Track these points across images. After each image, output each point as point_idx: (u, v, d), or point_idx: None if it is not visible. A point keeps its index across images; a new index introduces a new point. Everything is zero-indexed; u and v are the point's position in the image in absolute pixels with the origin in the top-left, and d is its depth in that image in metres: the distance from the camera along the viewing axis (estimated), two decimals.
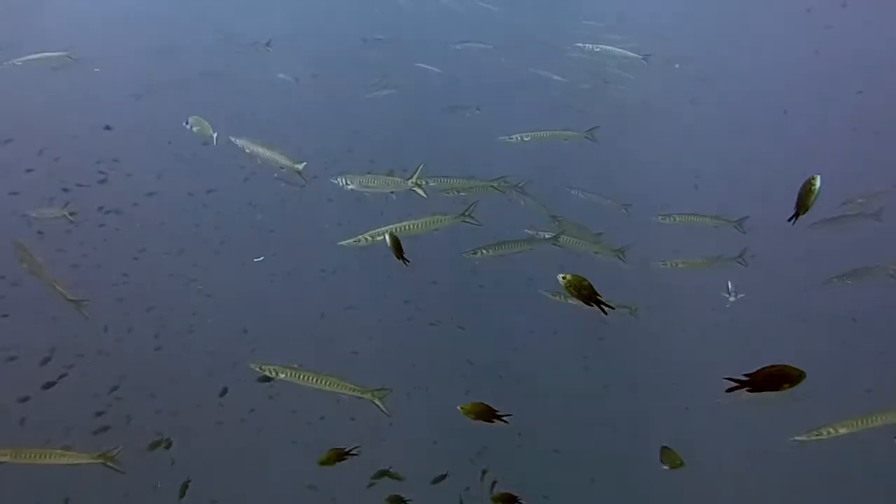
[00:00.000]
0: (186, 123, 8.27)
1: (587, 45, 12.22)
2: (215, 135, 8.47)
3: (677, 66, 18.65)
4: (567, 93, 16.91)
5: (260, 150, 7.66)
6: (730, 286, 9.08)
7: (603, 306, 4.66)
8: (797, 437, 5.81)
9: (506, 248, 8.26)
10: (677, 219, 8.80)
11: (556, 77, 16.83)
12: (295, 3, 20.38)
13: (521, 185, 8.71)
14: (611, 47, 12.57)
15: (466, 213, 6.89)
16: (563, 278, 4.64)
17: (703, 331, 14.09)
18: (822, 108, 19.75)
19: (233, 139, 7.73)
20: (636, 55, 12.68)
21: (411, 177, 7.10)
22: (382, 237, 6.32)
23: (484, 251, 8.30)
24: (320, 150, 12.59)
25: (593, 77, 16.58)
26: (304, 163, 7.61)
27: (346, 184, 7.01)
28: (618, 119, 16.12)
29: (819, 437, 5.74)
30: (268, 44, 14.84)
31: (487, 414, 5.56)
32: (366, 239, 6.43)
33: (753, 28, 22.03)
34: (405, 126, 16.64)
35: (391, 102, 16.22)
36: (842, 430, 5.69)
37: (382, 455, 9.14)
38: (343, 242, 6.48)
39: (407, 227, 6.57)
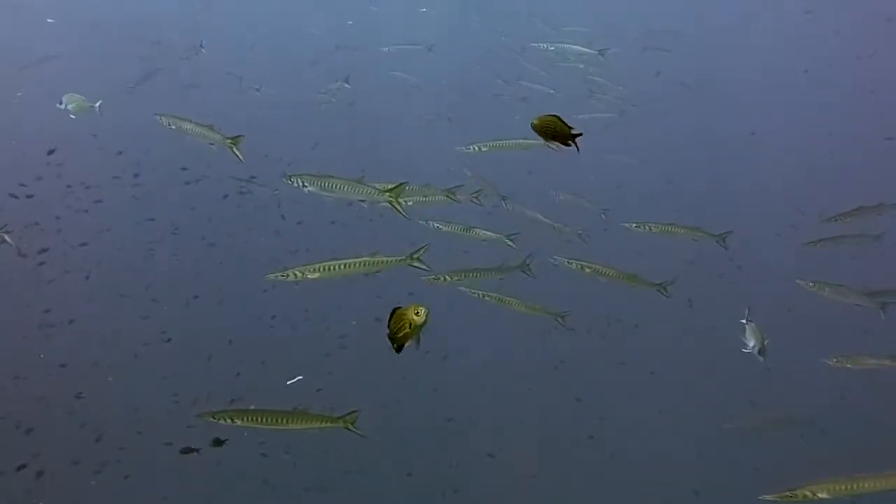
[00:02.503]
0: (60, 103, 7.70)
1: (542, 45, 12.12)
2: (98, 104, 8.00)
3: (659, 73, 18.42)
4: (551, 101, 16.37)
5: (187, 126, 6.86)
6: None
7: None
8: (765, 497, 4.86)
9: (471, 276, 7.48)
10: (653, 228, 7.90)
11: (550, 90, 16.39)
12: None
13: (476, 194, 7.94)
14: (566, 45, 12.36)
15: (415, 257, 5.86)
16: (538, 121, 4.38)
17: None
18: (802, 120, 19.28)
19: (157, 116, 6.90)
20: (592, 51, 12.39)
21: (390, 190, 6.14)
22: (316, 275, 5.61)
23: (447, 277, 7.53)
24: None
25: (579, 85, 16.09)
26: (242, 136, 6.80)
27: (303, 185, 6.08)
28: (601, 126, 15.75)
29: (793, 500, 4.80)
30: (201, 45, 14.35)
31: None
32: (295, 274, 5.64)
33: (743, 38, 21.77)
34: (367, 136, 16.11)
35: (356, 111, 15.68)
36: (822, 495, 4.69)
37: None
38: (270, 276, 5.70)
39: (345, 267, 5.66)
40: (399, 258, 5.79)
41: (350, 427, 5.51)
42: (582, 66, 14.95)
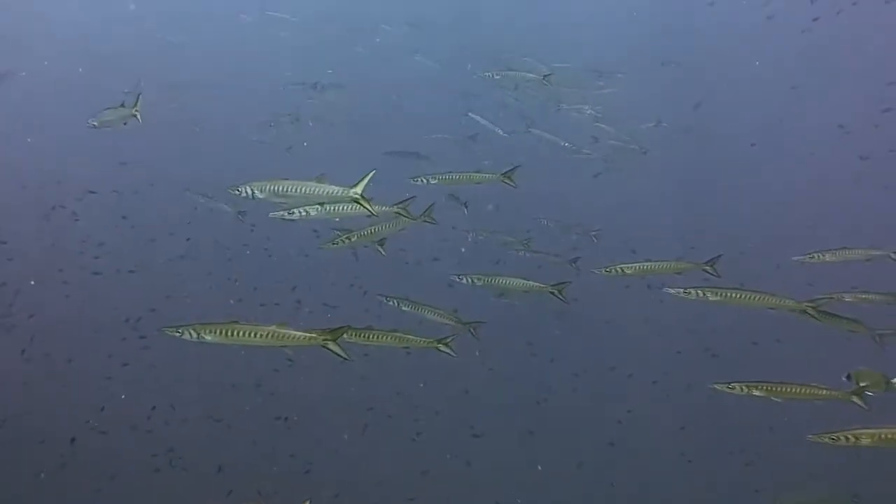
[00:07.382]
0: None
1: (488, 73, 12.44)
2: None
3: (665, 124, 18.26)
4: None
5: (109, 115, 7.59)
6: None
7: None
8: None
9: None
10: (626, 270, 6.96)
11: (564, 144, 15.79)
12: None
13: (429, 209, 7.16)
14: (512, 72, 12.75)
15: (329, 338, 5.27)
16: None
17: None
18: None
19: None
20: (536, 76, 12.60)
21: (356, 185, 5.68)
22: (210, 337, 5.22)
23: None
24: None
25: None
26: (139, 93, 7.64)
27: (252, 193, 5.70)
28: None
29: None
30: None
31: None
32: (190, 333, 5.25)
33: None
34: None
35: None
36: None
37: None
38: (166, 330, 5.31)
39: (246, 334, 5.13)
40: (310, 336, 5.20)
41: None
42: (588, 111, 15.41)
